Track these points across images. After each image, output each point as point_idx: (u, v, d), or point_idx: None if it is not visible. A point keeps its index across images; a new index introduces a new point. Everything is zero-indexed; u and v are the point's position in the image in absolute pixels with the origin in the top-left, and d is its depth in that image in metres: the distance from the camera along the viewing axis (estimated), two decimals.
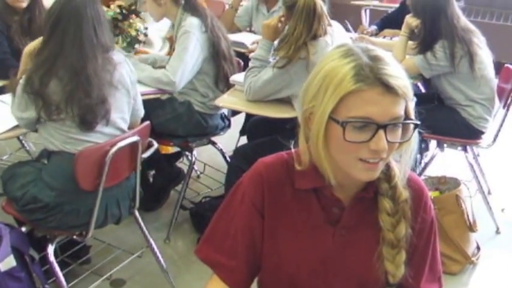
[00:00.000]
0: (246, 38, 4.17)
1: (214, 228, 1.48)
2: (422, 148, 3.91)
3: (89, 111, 2.42)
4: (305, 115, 1.32)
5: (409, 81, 1.27)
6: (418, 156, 3.96)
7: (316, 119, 1.28)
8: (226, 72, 3.32)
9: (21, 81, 2.41)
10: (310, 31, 2.75)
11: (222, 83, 3.35)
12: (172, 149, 3.89)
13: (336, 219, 1.40)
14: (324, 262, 1.41)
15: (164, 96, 3.33)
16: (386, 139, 1.24)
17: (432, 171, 3.61)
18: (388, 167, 1.37)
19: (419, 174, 3.60)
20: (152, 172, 3.64)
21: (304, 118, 1.33)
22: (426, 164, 3.64)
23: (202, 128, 3.38)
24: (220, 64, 3.31)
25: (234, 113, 3.70)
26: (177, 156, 3.79)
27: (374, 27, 4.71)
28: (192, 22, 3.23)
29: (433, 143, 3.85)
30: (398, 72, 1.25)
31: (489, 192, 3.92)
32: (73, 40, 2.39)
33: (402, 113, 1.26)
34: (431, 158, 3.61)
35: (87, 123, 2.44)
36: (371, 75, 1.22)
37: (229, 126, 3.60)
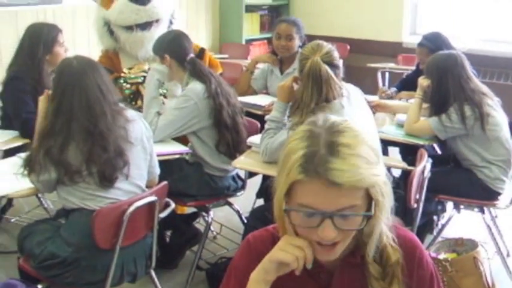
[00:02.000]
0: (261, 100, 4.23)
1: None
2: (439, 210, 3.89)
3: (108, 166, 2.47)
4: (275, 185, 1.33)
5: (368, 171, 1.21)
6: (435, 217, 3.95)
7: (276, 196, 1.30)
8: (227, 140, 3.35)
9: (41, 150, 2.46)
10: (321, 95, 2.74)
11: (223, 148, 3.37)
12: (188, 209, 3.90)
13: (326, 285, 1.40)
14: None
15: (173, 157, 3.35)
16: (336, 226, 1.23)
17: (449, 232, 3.58)
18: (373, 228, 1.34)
19: (436, 236, 3.58)
20: (169, 232, 3.65)
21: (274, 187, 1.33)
22: (443, 226, 3.62)
23: (211, 188, 3.41)
24: (222, 132, 3.33)
25: (251, 174, 3.71)
26: (194, 216, 3.80)
27: (394, 89, 4.76)
28: (195, 87, 3.30)
29: (449, 205, 3.83)
30: (353, 162, 1.20)
31: (508, 254, 3.86)
32: (80, 105, 2.46)
33: (355, 202, 1.23)
34: (448, 220, 3.58)
35: (106, 179, 2.49)
36: (315, 168, 1.20)
37: (243, 187, 3.60)
